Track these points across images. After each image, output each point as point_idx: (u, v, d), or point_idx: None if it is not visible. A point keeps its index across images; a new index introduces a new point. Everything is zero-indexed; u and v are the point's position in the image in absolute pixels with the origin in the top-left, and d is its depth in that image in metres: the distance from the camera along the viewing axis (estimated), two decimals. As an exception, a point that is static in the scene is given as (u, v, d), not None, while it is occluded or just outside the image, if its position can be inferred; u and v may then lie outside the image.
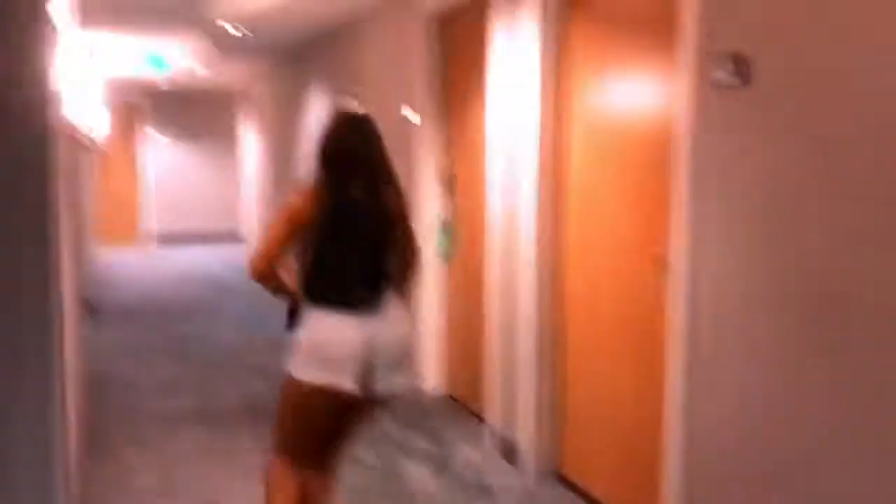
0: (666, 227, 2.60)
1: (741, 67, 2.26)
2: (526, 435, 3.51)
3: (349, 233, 2.48)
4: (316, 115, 7.12)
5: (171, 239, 12.27)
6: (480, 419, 4.06)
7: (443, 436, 4.01)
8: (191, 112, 12.60)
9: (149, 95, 12.23)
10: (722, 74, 2.32)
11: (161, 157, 12.55)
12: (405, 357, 2.58)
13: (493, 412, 3.82)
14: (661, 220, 2.69)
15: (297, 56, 7.99)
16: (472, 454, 3.76)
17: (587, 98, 3.18)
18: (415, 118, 4.65)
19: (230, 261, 10.35)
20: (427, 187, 4.59)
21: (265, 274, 2.46)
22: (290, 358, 2.49)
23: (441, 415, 4.37)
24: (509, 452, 3.65)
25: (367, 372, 2.44)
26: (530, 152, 3.39)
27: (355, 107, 2.79)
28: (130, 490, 3.37)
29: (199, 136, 12.72)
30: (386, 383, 2.50)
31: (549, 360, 3.42)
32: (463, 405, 4.47)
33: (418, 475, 3.52)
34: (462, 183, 4.44)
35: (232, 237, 12.21)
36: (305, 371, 2.44)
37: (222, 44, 7.83)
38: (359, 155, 2.55)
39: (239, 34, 6.85)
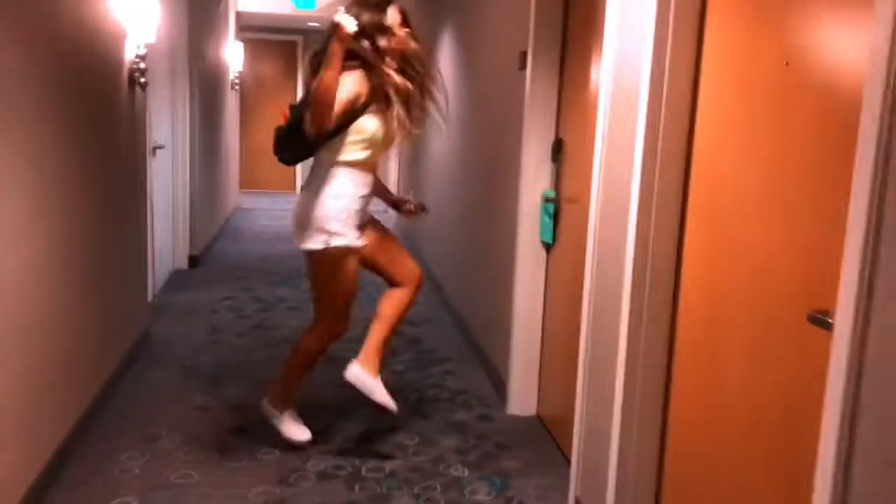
0: (837, 259, 1.50)
1: None
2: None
3: None
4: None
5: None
6: (568, 460, 3.11)
7: (511, 481, 3.09)
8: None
9: (302, 34, 11.83)
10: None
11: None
12: None
13: (576, 461, 2.85)
14: (829, 249, 1.60)
15: (435, -6, 7.10)
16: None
17: (732, 55, 2.07)
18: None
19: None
20: (532, 157, 3.60)
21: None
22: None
23: (521, 447, 3.44)
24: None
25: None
26: (638, 124, 2.33)
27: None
28: None
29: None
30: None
31: (644, 412, 2.40)
32: (552, 436, 3.52)
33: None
34: (571, 154, 3.41)
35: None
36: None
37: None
38: None
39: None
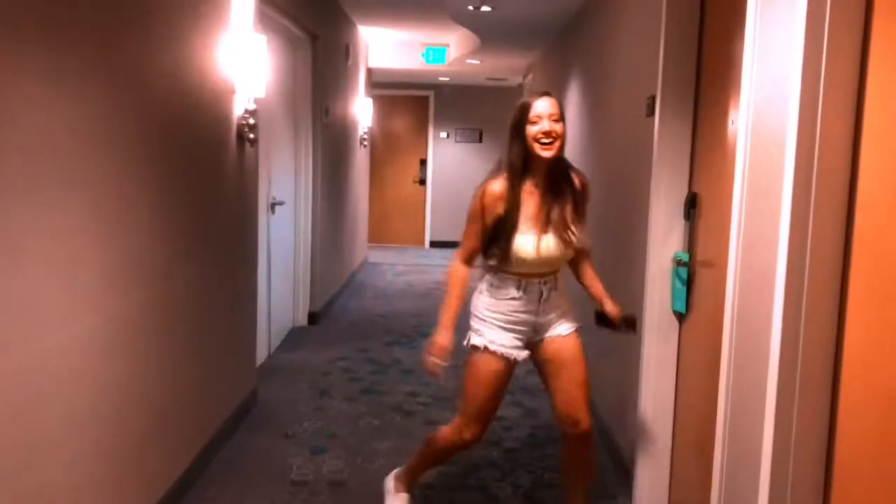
0: None
1: None
2: None
3: None
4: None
5: (445, 243, 11.79)
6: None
7: None
8: (473, 109, 11.97)
9: (432, 89, 11.85)
10: None
11: (443, 156, 12.07)
12: None
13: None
14: None
15: (562, 41, 6.81)
16: None
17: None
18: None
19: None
20: (662, 213, 3.18)
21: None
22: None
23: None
24: None
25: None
26: (785, 178, 1.89)
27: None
28: None
29: (481, 134, 12.04)
30: None
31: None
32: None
33: None
34: (707, 211, 2.97)
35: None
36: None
37: (481, 30, 7.01)
38: None
39: (488, 8, 5.91)
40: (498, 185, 2.80)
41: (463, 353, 2.92)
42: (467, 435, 2.94)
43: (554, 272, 2.90)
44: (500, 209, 2.79)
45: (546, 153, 2.75)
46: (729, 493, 2.22)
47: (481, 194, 2.83)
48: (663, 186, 3.16)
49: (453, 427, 2.98)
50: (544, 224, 2.80)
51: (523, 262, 2.80)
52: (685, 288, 3.06)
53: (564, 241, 2.83)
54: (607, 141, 4.32)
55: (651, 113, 3.25)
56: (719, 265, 2.82)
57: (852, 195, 1.80)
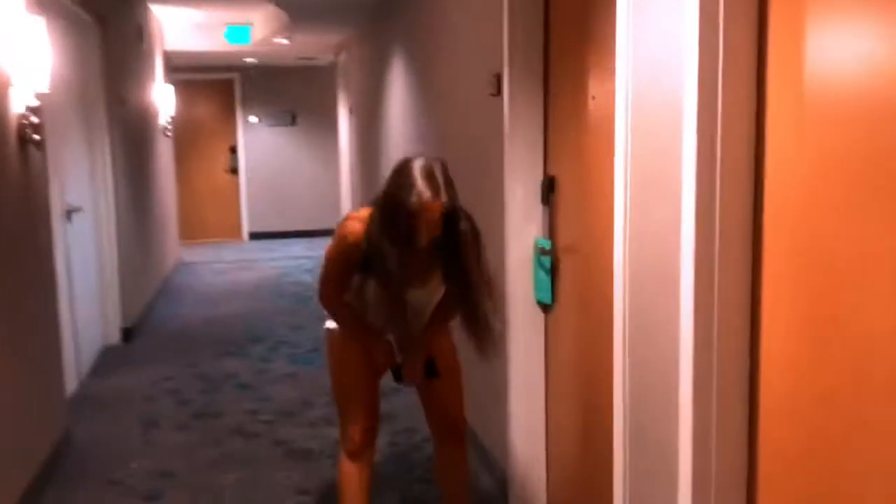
0: None
1: None
2: None
3: None
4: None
5: (266, 234, 11.21)
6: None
7: None
8: (284, 90, 11.39)
9: (238, 71, 11.16)
10: None
11: (255, 142, 11.41)
12: None
13: None
14: None
15: (380, 17, 6.49)
16: None
17: (826, 54, 1.45)
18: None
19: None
20: (518, 200, 2.97)
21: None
22: None
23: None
24: None
25: None
26: (686, 156, 1.69)
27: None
28: None
29: (294, 116, 11.49)
30: None
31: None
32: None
33: None
34: (567, 194, 2.79)
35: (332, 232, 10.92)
36: None
37: (293, 10, 6.56)
38: None
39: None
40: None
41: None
42: (355, 434, 2.62)
43: None
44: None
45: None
46: (636, 496, 2.03)
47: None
48: (518, 171, 2.95)
49: (341, 436, 2.69)
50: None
51: None
52: (549, 277, 2.87)
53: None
54: (451, 124, 4.05)
55: (498, 92, 3.02)
56: (584, 251, 2.65)
57: (759, 169, 1.63)
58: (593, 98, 2.48)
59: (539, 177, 2.93)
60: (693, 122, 1.63)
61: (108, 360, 5.29)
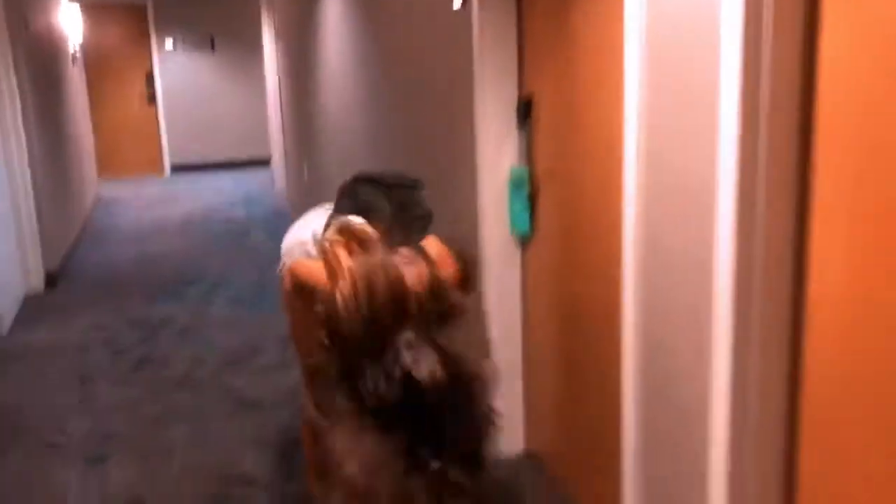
0: None
1: None
2: None
3: None
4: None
5: (189, 167, 10.64)
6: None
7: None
8: (200, 12, 10.66)
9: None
10: None
11: (172, 69, 10.71)
12: None
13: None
14: None
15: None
16: None
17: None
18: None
19: (256, 195, 8.65)
20: (491, 124, 2.70)
21: None
22: None
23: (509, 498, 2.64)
24: None
25: None
26: (731, 62, 1.46)
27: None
28: None
29: (215, 42, 10.80)
30: None
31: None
32: (554, 477, 2.72)
33: None
34: (546, 115, 2.54)
35: (261, 161, 10.40)
36: None
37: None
38: None
39: None
40: None
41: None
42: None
43: None
44: None
45: None
46: (653, 456, 1.87)
47: None
48: (489, 92, 2.68)
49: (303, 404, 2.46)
50: None
51: None
52: (528, 206, 2.65)
53: None
54: (410, 43, 3.70)
55: (466, 2, 2.71)
56: (568, 177, 2.44)
57: (810, 65, 1.41)
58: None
59: (513, 98, 2.67)
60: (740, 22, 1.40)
61: (31, 310, 4.88)
